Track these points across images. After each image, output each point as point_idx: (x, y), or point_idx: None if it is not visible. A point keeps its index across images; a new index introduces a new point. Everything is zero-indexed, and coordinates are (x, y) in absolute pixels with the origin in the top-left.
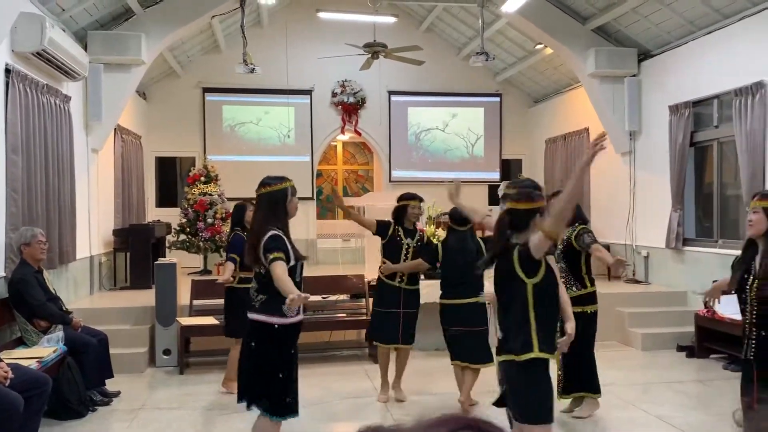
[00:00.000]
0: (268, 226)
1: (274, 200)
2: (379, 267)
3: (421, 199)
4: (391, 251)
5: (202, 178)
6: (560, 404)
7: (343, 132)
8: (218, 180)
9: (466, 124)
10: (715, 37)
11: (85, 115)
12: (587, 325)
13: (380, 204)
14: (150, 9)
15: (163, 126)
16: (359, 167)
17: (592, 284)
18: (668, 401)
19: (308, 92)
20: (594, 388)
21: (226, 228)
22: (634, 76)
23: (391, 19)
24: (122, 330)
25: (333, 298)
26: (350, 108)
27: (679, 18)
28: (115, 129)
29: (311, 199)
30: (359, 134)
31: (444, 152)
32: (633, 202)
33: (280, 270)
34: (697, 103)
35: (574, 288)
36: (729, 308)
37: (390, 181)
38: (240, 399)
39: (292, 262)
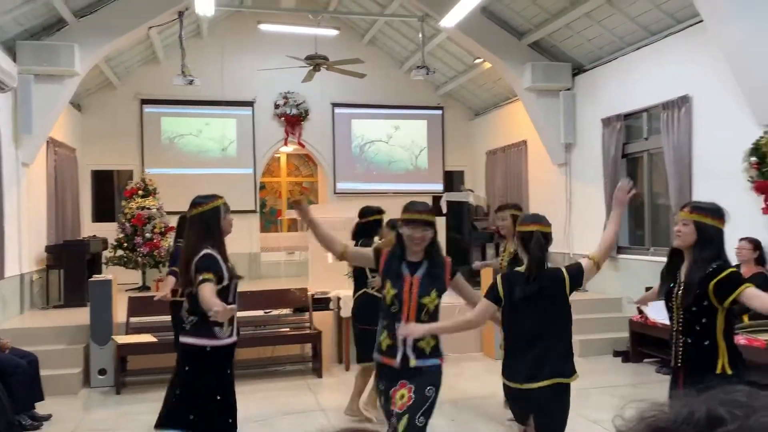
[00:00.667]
0: (201, 245)
1: (206, 220)
2: (369, 282)
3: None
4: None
5: (140, 192)
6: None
7: (286, 144)
8: (157, 193)
9: (409, 136)
10: (643, 53)
11: (15, 127)
12: None
13: (323, 216)
14: (84, 19)
15: (100, 138)
16: (303, 179)
17: None
18: (605, 406)
19: (250, 104)
20: None
21: (165, 243)
22: (569, 89)
23: (333, 32)
24: (55, 350)
25: (276, 312)
26: (293, 120)
27: (609, 34)
28: (47, 142)
29: (254, 212)
30: (303, 146)
31: (388, 164)
32: (569, 212)
33: (207, 291)
34: (628, 116)
35: None
36: (660, 314)
37: (335, 192)
38: (162, 425)
39: (225, 282)
